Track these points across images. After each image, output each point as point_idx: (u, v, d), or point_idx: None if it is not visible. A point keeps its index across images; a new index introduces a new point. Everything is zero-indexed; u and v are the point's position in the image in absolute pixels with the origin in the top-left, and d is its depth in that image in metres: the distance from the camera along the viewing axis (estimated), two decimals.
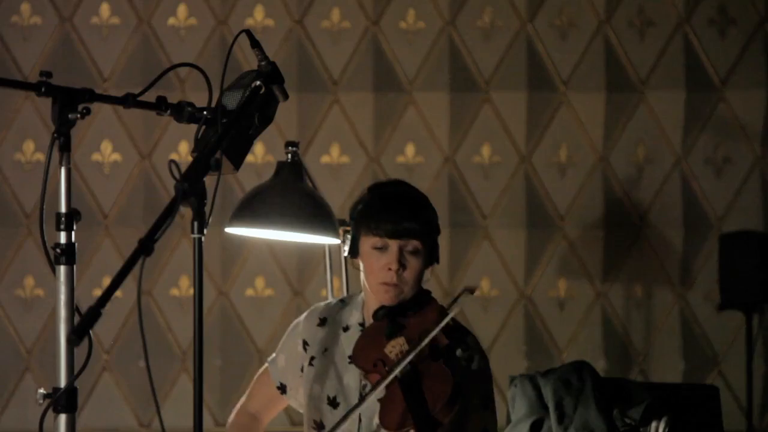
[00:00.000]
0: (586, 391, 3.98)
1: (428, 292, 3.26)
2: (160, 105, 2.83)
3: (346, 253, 3.31)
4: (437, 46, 6.26)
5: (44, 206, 2.71)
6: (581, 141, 6.23)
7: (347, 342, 3.27)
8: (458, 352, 3.21)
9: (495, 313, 6.23)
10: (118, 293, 2.52)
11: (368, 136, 6.26)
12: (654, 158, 6.26)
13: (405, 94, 6.25)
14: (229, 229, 3.96)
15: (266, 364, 3.42)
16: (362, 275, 3.26)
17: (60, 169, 2.69)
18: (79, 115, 2.67)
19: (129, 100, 2.80)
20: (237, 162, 2.88)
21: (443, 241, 3.33)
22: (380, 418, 3.07)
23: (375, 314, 3.21)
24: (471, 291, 3.10)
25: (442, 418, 3.03)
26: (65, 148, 2.68)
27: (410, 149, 6.25)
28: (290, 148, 4.04)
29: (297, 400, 3.37)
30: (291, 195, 3.94)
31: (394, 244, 3.19)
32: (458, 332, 3.25)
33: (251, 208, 3.91)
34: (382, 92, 6.26)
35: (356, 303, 3.34)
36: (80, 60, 6.23)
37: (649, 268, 6.23)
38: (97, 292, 6.09)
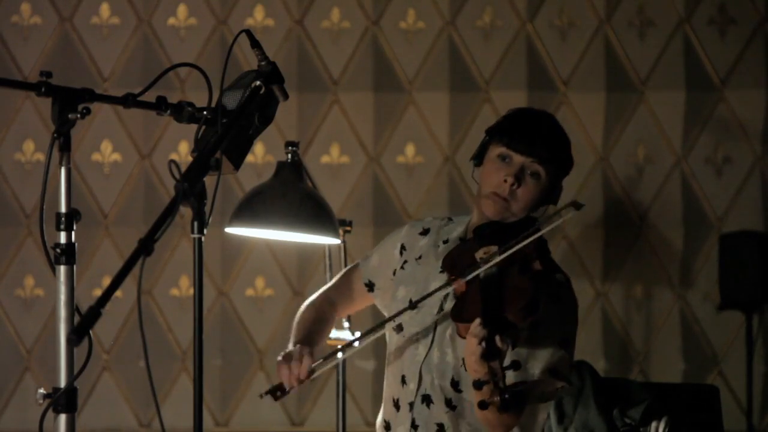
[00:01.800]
0: (585, 390, 3.98)
1: (534, 220, 3.17)
2: (160, 105, 2.83)
3: (471, 159, 3.28)
4: (437, 46, 6.26)
5: (44, 206, 2.71)
6: (581, 141, 6.23)
7: (443, 252, 3.24)
8: (558, 276, 3.15)
9: None
10: (118, 293, 2.52)
11: (368, 136, 6.25)
12: (654, 158, 6.26)
13: (405, 94, 6.25)
14: (229, 229, 3.96)
15: (358, 262, 3.43)
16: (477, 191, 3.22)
17: (60, 169, 2.69)
18: (79, 115, 2.68)
19: (129, 100, 2.80)
20: (237, 162, 2.88)
21: None
22: (452, 310, 3.03)
23: (476, 229, 3.18)
24: (577, 206, 3.02)
25: (512, 320, 2.94)
26: (65, 148, 2.68)
27: (410, 149, 6.25)
28: (290, 148, 4.04)
29: (383, 301, 3.37)
30: (291, 195, 3.94)
31: (518, 159, 3.18)
32: (555, 266, 3.20)
33: (251, 208, 3.91)
34: (382, 92, 6.25)
35: (462, 221, 3.34)
36: (80, 60, 6.23)
37: (649, 268, 6.22)
38: (97, 292, 6.08)
